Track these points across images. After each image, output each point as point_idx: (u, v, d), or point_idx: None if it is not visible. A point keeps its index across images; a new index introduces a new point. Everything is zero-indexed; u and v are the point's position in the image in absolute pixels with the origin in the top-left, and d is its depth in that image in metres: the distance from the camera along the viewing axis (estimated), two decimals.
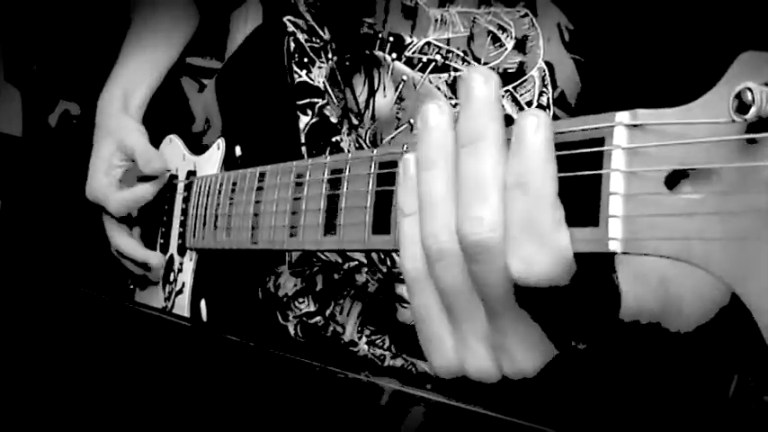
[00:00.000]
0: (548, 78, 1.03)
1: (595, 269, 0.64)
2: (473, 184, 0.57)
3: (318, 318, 1.15)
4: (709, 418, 1.15)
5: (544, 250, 0.54)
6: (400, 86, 1.08)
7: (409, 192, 0.64)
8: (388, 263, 1.08)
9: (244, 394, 1.20)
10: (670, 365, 1.12)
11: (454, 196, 0.59)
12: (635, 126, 0.50)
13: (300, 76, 1.17)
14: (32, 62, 1.80)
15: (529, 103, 1.04)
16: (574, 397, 1.07)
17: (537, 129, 0.54)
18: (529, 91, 1.03)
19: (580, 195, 0.53)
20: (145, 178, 1.32)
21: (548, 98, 1.03)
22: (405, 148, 0.70)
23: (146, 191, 1.32)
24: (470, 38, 1.05)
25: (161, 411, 1.30)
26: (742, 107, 0.45)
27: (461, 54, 1.05)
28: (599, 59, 1.01)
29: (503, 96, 1.04)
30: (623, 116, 0.51)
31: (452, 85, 1.06)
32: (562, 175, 0.54)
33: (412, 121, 1.08)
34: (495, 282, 0.57)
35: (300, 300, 1.17)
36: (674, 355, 1.06)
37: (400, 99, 1.08)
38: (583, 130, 0.53)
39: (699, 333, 0.96)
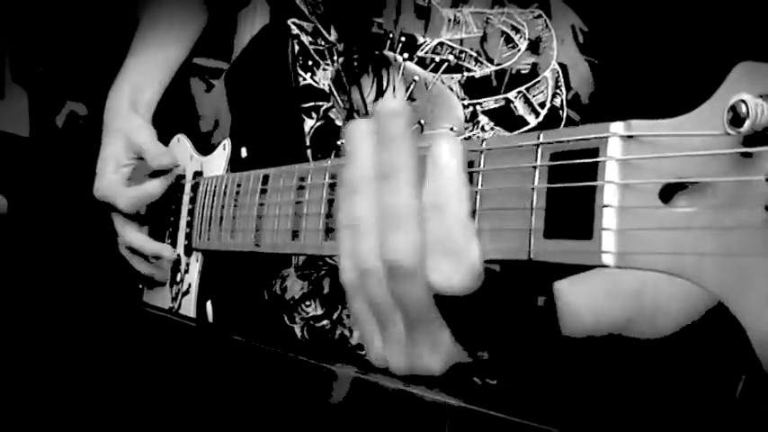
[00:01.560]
0: (561, 80, 1.02)
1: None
2: (391, 213, 0.62)
3: (325, 321, 1.15)
4: (717, 419, 1.14)
5: (460, 264, 0.60)
6: (411, 87, 1.07)
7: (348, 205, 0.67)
8: None
9: (250, 395, 1.20)
10: (676, 366, 1.11)
11: (379, 220, 0.64)
12: (629, 137, 0.49)
13: (305, 79, 1.16)
14: (39, 63, 1.81)
15: (542, 105, 1.03)
16: (579, 397, 1.06)
17: (451, 154, 0.60)
18: (542, 92, 1.02)
19: (574, 207, 0.52)
20: (154, 174, 1.31)
21: (561, 100, 1.02)
22: None
23: (154, 187, 1.30)
24: (483, 38, 1.04)
25: (167, 411, 1.30)
26: (736, 120, 0.44)
27: (474, 54, 1.04)
28: (613, 62, 1.00)
29: (516, 97, 1.03)
30: (618, 127, 0.50)
31: (465, 86, 1.05)
32: (556, 186, 0.53)
33: (422, 121, 1.07)
34: (411, 299, 0.64)
35: (307, 303, 1.16)
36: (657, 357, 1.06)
37: (411, 99, 1.07)
38: (576, 140, 0.52)
39: (706, 333, 0.96)
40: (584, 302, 0.83)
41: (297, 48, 1.17)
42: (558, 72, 1.02)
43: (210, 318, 1.19)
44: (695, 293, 0.90)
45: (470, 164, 0.62)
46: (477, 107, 1.05)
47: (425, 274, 0.61)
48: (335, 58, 1.14)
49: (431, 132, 1.07)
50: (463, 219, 0.59)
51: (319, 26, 1.16)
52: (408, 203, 0.61)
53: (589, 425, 1.04)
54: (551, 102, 1.02)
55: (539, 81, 1.03)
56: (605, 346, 0.88)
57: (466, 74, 1.05)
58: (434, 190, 0.60)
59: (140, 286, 1.40)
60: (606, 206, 0.49)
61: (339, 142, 1.13)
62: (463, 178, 0.59)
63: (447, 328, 0.67)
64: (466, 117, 1.05)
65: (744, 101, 0.43)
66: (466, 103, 1.05)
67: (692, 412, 1.11)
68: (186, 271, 1.25)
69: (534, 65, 1.02)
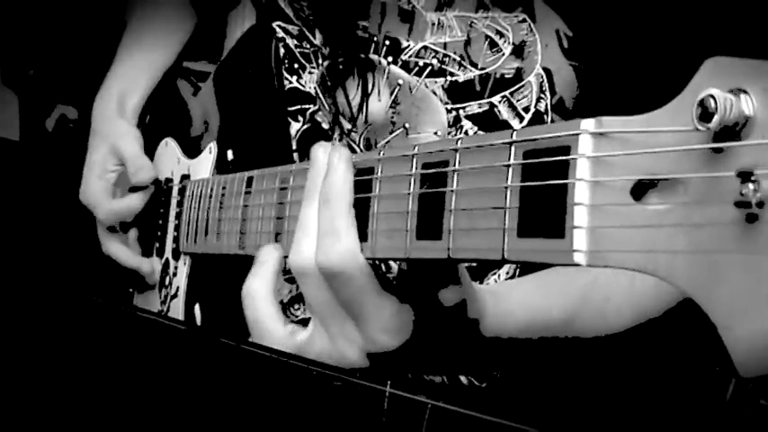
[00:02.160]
0: (546, 84, 1.01)
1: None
2: (301, 225, 0.76)
3: None
4: (707, 421, 1.13)
5: (338, 243, 0.71)
6: (396, 90, 1.07)
7: None
8: (383, 267, 1.07)
9: (239, 398, 1.19)
10: (666, 368, 1.11)
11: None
12: (600, 134, 0.49)
13: (291, 83, 1.15)
14: (29, 66, 1.80)
15: (526, 109, 1.02)
16: (568, 399, 1.06)
17: (339, 160, 0.73)
18: (526, 97, 1.02)
19: (547, 205, 0.51)
20: (135, 188, 1.32)
21: (545, 104, 1.02)
22: (381, 154, 0.69)
23: (133, 202, 1.32)
24: (467, 42, 1.04)
25: (156, 414, 1.29)
26: (705, 115, 0.43)
27: (458, 58, 1.04)
28: (598, 66, 1.00)
29: (500, 102, 1.03)
30: (588, 124, 0.49)
31: (448, 90, 1.04)
32: (529, 184, 0.53)
33: (407, 125, 1.07)
34: (312, 295, 0.75)
35: (296, 306, 1.15)
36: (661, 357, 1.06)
37: (395, 103, 1.07)
38: (548, 138, 0.51)
39: (696, 336, 0.96)
40: (516, 302, 0.86)
41: (282, 51, 1.17)
42: (542, 77, 1.02)
43: (199, 321, 1.19)
44: (652, 291, 0.92)
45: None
46: (461, 111, 1.04)
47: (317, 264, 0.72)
48: (321, 61, 1.14)
49: (415, 135, 1.06)
50: (344, 208, 0.71)
51: (304, 29, 1.15)
52: (311, 215, 0.75)
53: (578, 427, 1.03)
54: (536, 106, 1.02)
55: (523, 85, 1.02)
56: (589, 346, 0.89)
57: (449, 78, 1.04)
58: (326, 187, 0.73)
59: (130, 290, 1.40)
60: (577, 204, 0.49)
61: None
62: (348, 178, 0.72)
63: (354, 325, 0.74)
64: (449, 121, 1.04)
65: (712, 96, 0.43)
66: (449, 107, 1.05)
67: (682, 415, 1.10)
68: (174, 274, 1.24)
69: (518, 69, 1.02)
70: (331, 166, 0.73)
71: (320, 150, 0.76)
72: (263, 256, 0.84)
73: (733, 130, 0.43)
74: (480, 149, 0.58)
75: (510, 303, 0.86)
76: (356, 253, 0.71)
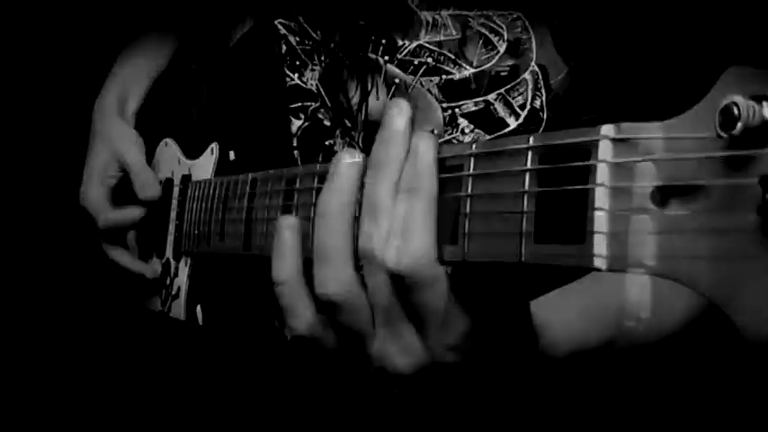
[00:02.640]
0: (541, 82, 1.02)
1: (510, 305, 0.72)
2: (370, 204, 0.64)
3: None
4: (713, 421, 1.14)
5: (410, 248, 0.60)
6: (393, 89, 1.07)
7: None
8: None
9: (243, 399, 1.19)
10: (669, 368, 1.11)
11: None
12: (620, 140, 0.49)
13: (292, 80, 1.15)
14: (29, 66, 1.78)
15: (522, 107, 1.03)
16: (575, 400, 1.06)
17: (428, 146, 0.61)
18: (521, 94, 1.02)
19: (565, 211, 0.52)
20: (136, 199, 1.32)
21: (541, 101, 1.02)
22: None
23: (134, 213, 1.33)
24: (462, 41, 1.04)
25: (158, 413, 1.29)
26: (728, 122, 0.44)
27: (453, 57, 1.04)
28: (592, 63, 1.00)
29: (495, 99, 1.04)
30: (608, 129, 0.49)
31: (443, 88, 1.05)
32: (546, 189, 0.53)
33: None
34: (378, 290, 0.64)
35: None
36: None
37: None
38: (567, 144, 0.52)
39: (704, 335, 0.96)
40: (561, 333, 0.82)
41: (284, 48, 1.16)
42: (537, 74, 1.02)
43: (200, 322, 1.18)
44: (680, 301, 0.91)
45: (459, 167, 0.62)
46: (456, 110, 1.05)
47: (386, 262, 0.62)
48: (323, 57, 1.13)
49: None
50: (428, 204, 0.61)
51: (306, 25, 1.15)
52: (384, 197, 0.63)
53: (584, 426, 1.04)
54: (531, 103, 1.03)
55: (518, 83, 1.03)
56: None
57: (445, 76, 1.05)
58: (411, 174, 0.62)
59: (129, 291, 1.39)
60: (597, 209, 0.49)
61: (328, 143, 1.13)
62: (435, 167, 0.61)
63: (414, 332, 0.66)
64: (445, 120, 1.05)
65: (736, 103, 0.43)
66: (444, 105, 1.05)
67: (686, 415, 1.11)
68: (176, 275, 1.24)
69: (514, 67, 1.03)
70: (417, 152, 0.62)
71: (395, 110, 0.64)
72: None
73: (755, 137, 0.44)
74: (495, 154, 0.58)
75: (555, 336, 0.81)
76: (431, 257, 0.61)
